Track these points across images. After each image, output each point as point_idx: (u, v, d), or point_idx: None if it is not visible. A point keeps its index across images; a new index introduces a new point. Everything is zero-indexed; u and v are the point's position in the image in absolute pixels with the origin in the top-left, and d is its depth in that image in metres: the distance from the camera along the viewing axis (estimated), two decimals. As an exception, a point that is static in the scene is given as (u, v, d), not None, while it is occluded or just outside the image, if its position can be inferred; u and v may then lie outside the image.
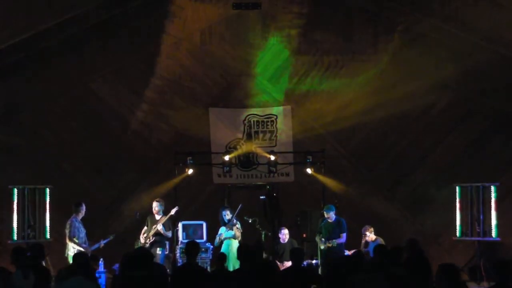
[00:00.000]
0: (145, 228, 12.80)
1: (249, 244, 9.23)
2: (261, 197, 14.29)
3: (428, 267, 8.90)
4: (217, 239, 12.85)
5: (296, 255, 8.64)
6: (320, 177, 14.38)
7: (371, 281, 7.34)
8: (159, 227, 12.55)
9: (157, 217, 12.77)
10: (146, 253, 7.71)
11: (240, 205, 12.99)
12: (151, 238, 12.54)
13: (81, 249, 11.63)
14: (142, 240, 12.60)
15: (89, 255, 11.09)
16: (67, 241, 11.89)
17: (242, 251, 8.15)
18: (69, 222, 11.97)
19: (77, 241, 11.81)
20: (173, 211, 12.91)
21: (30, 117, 14.80)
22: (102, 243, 12.24)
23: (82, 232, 11.99)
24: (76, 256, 8.05)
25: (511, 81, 14.23)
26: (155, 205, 12.80)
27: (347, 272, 7.47)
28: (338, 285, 7.28)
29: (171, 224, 12.98)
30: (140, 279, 7.07)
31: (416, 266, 8.52)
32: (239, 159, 15.05)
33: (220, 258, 9.40)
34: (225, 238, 12.73)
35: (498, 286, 6.71)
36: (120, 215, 14.58)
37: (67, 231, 11.92)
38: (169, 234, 12.85)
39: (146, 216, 12.97)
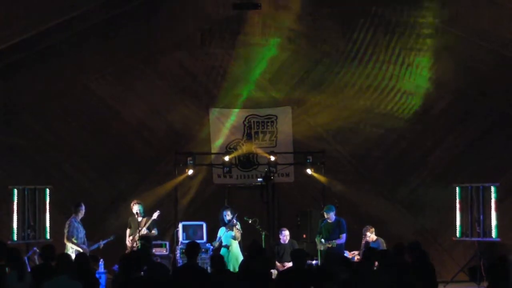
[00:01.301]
0: (128, 230, 12.80)
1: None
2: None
3: (431, 270, 8.86)
4: (216, 244, 12.86)
5: (297, 256, 8.64)
6: (320, 178, 14.39)
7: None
8: (144, 231, 12.56)
9: (139, 218, 12.77)
10: (142, 255, 7.76)
11: (235, 214, 12.91)
12: (137, 242, 12.50)
13: (80, 249, 11.68)
14: (129, 244, 12.58)
15: (88, 255, 11.11)
16: (65, 241, 11.92)
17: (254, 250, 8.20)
18: (68, 222, 12.01)
19: (75, 241, 11.84)
20: (155, 215, 12.89)
21: (30, 117, 14.81)
22: (102, 243, 12.25)
23: (81, 232, 12.02)
24: (60, 256, 8.05)
25: (510, 81, 14.22)
26: (137, 208, 12.82)
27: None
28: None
29: (156, 224, 13.02)
30: (138, 280, 7.08)
31: (420, 270, 8.50)
32: (239, 159, 15.05)
33: (219, 260, 9.30)
34: (224, 246, 12.71)
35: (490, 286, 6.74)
36: (120, 216, 14.55)
37: (65, 231, 11.95)
38: (155, 232, 12.86)
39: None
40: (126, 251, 12.24)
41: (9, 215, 13.41)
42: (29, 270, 8.68)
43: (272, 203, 14.71)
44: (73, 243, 11.83)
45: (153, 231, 12.81)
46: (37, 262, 11.11)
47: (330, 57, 15.08)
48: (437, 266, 9.29)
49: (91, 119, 15.17)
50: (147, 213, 12.95)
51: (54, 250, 8.59)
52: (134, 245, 12.48)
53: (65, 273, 7.27)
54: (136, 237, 12.56)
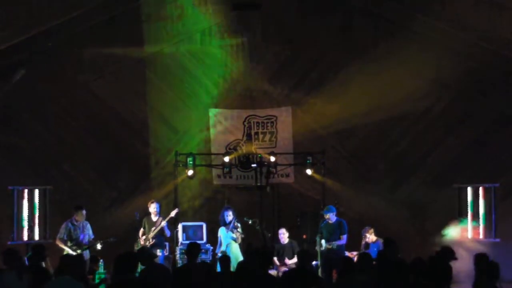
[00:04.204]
0: (142, 230, 12.78)
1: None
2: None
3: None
4: (223, 248, 12.85)
5: (301, 257, 8.68)
6: (320, 178, 14.39)
7: None
8: (163, 223, 12.53)
9: (154, 218, 12.76)
10: (133, 256, 7.76)
11: (234, 218, 12.90)
12: (151, 240, 12.53)
13: (70, 250, 11.81)
14: (142, 242, 12.59)
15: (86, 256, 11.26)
16: (56, 242, 12.02)
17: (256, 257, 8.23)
18: (63, 224, 12.11)
19: (70, 243, 11.98)
20: (173, 213, 12.91)
21: (30, 117, 14.81)
22: (99, 246, 12.24)
23: (76, 234, 12.08)
24: (63, 257, 8.08)
25: (511, 81, 14.23)
26: (154, 206, 12.78)
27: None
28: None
29: (169, 224, 13.01)
30: (131, 282, 7.09)
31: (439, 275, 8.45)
32: (239, 160, 15.04)
33: (225, 260, 9.32)
34: (222, 252, 12.71)
35: None
36: (120, 216, 14.56)
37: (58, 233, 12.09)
38: (169, 233, 12.87)
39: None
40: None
41: (9, 216, 13.40)
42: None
43: (272, 204, 14.73)
44: (63, 244, 11.97)
45: (168, 231, 12.77)
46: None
47: (330, 57, 15.09)
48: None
49: (91, 119, 15.17)
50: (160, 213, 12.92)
51: (44, 250, 8.61)
52: (147, 243, 12.47)
53: (67, 274, 7.27)
54: (150, 236, 12.55)
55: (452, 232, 13.63)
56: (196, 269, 8.77)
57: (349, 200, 14.56)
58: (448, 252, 9.01)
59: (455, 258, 8.99)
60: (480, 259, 8.35)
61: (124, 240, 13.04)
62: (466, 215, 13.95)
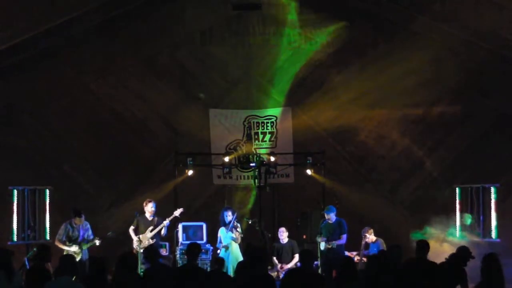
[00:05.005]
0: (133, 227, 12.56)
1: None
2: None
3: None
4: (222, 248, 12.82)
5: (303, 257, 8.66)
6: (320, 178, 14.39)
7: None
8: (166, 222, 12.48)
9: (150, 217, 12.70)
10: (134, 255, 7.76)
11: (235, 216, 12.86)
12: (150, 240, 12.46)
13: (69, 249, 11.86)
14: (137, 241, 12.42)
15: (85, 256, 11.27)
16: (55, 243, 12.05)
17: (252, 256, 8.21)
18: (62, 225, 12.18)
19: (68, 244, 12.02)
20: (177, 213, 12.82)
21: (30, 117, 14.80)
22: (97, 242, 12.25)
23: (75, 235, 12.12)
24: (63, 257, 8.07)
25: (511, 81, 14.22)
26: (151, 205, 12.71)
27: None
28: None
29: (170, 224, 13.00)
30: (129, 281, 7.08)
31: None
32: (239, 160, 15.05)
33: (218, 262, 9.34)
34: (224, 246, 12.68)
35: None
36: (120, 216, 14.55)
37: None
38: (166, 232, 12.79)
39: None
40: (134, 251, 12.17)
41: (9, 216, 13.38)
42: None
43: (272, 204, 14.73)
44: (62, 244, 12.01)
45: (165, 231, 12.73)
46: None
47: (330, 58, 15.09)
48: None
49: (91, 119, 15.16)
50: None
51: (48, 251, 8.58)
52: (147, 243, 12.37)
53: (67, 274, 7.25)
54: (149, 235, 12.49)
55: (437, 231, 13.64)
56: (195, 269, 8.76)
57: (349, 201, 14.55)
58: (465, 252, 8.99)
59: (473, 257, 8.96)
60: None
61: (124, 240, 13.04)
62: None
